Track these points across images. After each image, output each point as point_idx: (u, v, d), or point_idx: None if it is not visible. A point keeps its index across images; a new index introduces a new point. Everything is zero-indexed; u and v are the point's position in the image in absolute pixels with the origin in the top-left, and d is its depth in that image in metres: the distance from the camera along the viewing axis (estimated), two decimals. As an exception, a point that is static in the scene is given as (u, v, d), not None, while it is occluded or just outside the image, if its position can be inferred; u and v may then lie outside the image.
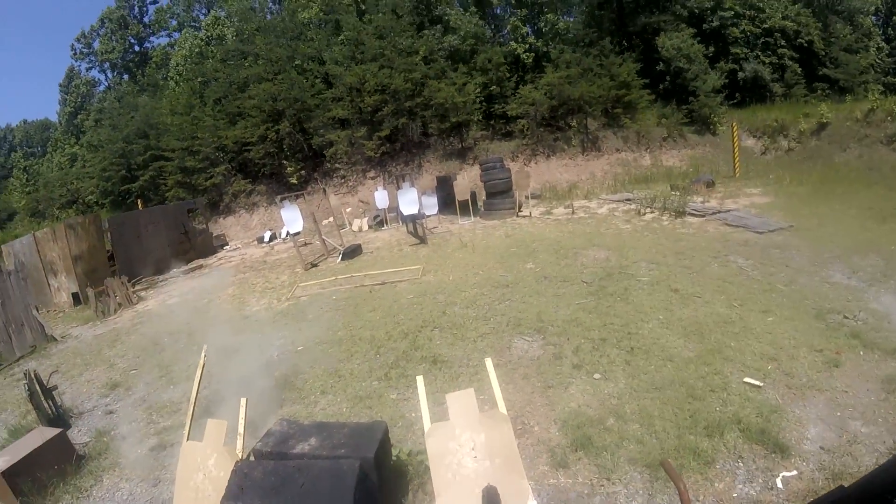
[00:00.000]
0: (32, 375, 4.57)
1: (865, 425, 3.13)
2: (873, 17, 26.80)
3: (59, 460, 3.76)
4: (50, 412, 4.57)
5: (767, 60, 20.60)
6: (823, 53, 21.30)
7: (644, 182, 14.68)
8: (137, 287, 10.98)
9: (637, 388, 3.74)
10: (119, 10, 35.82)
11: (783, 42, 20.79)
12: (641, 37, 19.86)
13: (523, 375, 4.22)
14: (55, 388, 4.84)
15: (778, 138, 17.27)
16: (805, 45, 20.93)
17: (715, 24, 20.57)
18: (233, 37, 24.37)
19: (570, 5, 22.50)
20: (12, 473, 3.47)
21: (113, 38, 35.40)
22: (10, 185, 34.56)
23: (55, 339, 8.03)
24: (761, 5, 20.80)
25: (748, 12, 20.78)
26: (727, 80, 19.54)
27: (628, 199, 11.89)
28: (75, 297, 10.91)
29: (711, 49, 19.90)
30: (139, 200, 20.19)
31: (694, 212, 9.77)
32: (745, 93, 20.65)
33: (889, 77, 23.69)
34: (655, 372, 3.92)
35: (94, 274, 11.04)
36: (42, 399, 4.54)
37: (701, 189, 12.22)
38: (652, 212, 10.22)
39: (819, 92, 20.16)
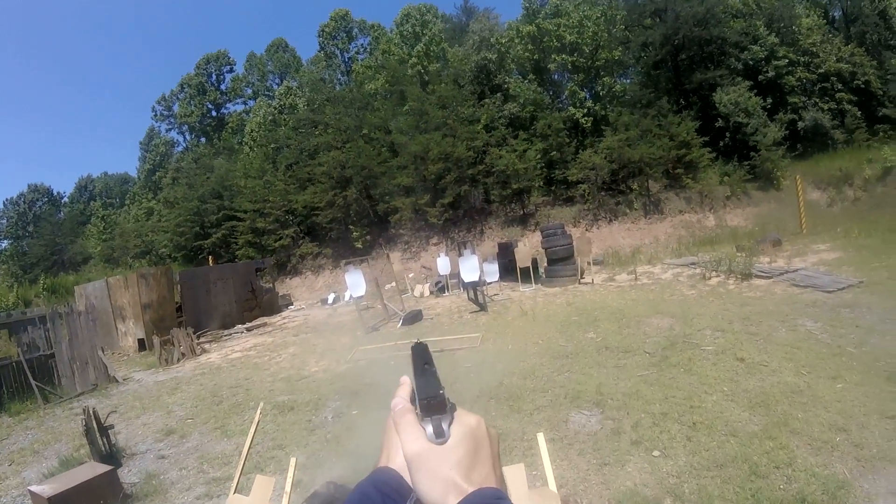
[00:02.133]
0: (91, 412, 4.73)
1: None
2: (928, 47, 25.74)
3: (106, 496, 3.82)
4: (103, 449, 4.74)
5: (826, 107, 20.07)
6: (882, 93, 20.51)
7: (709, 244, 14.51)
8: (202, 339, 11.40)
9: (697, 465, 3.61)
10: (198, 77, 38.85)
11: (840, 85, 20.25)
12: (698, 94, 19.92)
13: (579, 451, 4.09)
14: (111, 426, 5.01)
15: (843, 188, 16.84)
16: (862, 86, 20.29)
17: (770, 74, 20.40)
18: (304, 106, 26.03)
19: (625, 67, 22.89)
20: (59, 501, 3.54)
21: (191, 102, 38.15)
22: (88, 230, 36.82)
23: (117, 381, 8.48)
24: (815, 49, 20.42)
25: (802, 58, 20.45)
26: (787, 132, 19.20)
27: (693, 263, 11.73)
28: (141, 343, 11.53)
29: (769, 100, 19.66)
30: (210, 257, 21.34)
31: (761, 273, 9.61)
32: (806, 143, 20.11)
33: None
34: (717, 448, 3.79)
35: (162, 323, 11.68)
36: (97, 435, 4.71)
37: (767, 248, 12.05)
38: (717, 275, 10.04)
39: (881, 134, 19.35)
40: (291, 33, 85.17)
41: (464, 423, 0.51)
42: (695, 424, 4.19)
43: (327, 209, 19.29)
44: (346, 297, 14.61)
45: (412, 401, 0.55)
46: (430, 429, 0.49)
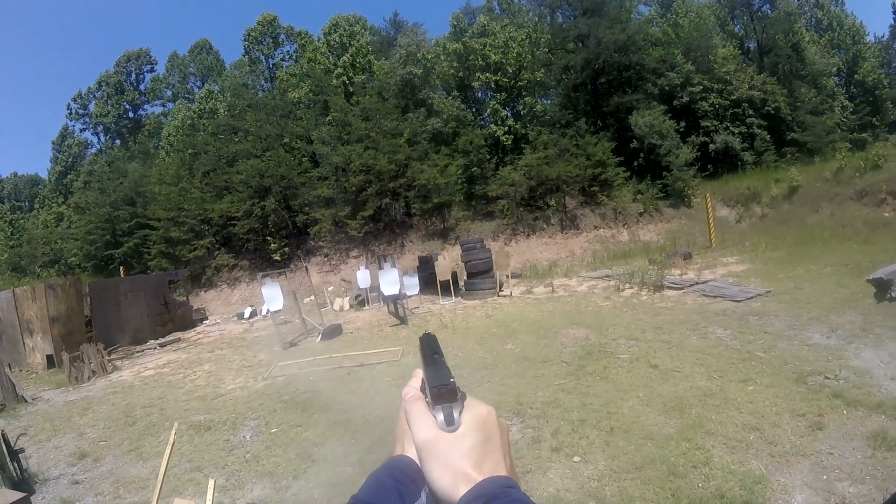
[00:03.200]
0: (0, 435, 4.43)
1: (853, 485, 3.08)
2: (836, 78, 28.36)
3: (19, 527, 3.58)
4: (15, 475, 4.42)
5: (737, 130, 21.53)
6: (791, 118, 22.32)
7: (622, 258, 14.96)
8: (113, 356, 10.78)
9: (617, 468, 3.69)
10: (117, 75, 36.92)
11: (751, 111, 21.82)
12: (615, 116, 20.79)
13: (501, 460, 4.16)
14: (22, 450, 4.71)
15: (751, 205, 17.83)
16: (772, 112, 21.99)
17: (685, 99, 21.66)
18: (224, 111, 25.15)
19: (547, 88, 23.62)
20: (-34, 533, 3.28)
21: (108, 101, 36.30)
22: (-6, 236, 34.15)
23: (26, 401, 7.84)
24: (728, 78, 21.90)
25: (716, 86, 21.87)
26: (699, 153, 20.34)
27: (607, 276, 12.04)
28: (49, 359, 10.66)
29: (683, 124, 20.82)
30: (122, 267, 20.20)
31: (672, 285, 9.89)
32: (717, 164, 21.43)
33: (855, 133, 24.69)
34: (636, 451, 3.87)
35: (71, 337, 10.83)
36: (8, 460, 4.40)
37: (678, 262, 12.46)
38: (631, 287, 10.33)
39: (789, 156, 20.98)
40: (217, 35, 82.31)
41: (475, 412, 0.50)
42: (612, 429, 4.27)
43: (244, 219, 18.50)
44: (264, 312, 13.98)
45: (423, 390, 0.54)
46: (440, 417, 0.49)
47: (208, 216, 19.11)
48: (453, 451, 0.47)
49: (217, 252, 19.04)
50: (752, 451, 3.63)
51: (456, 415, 0.49)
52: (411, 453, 0.50)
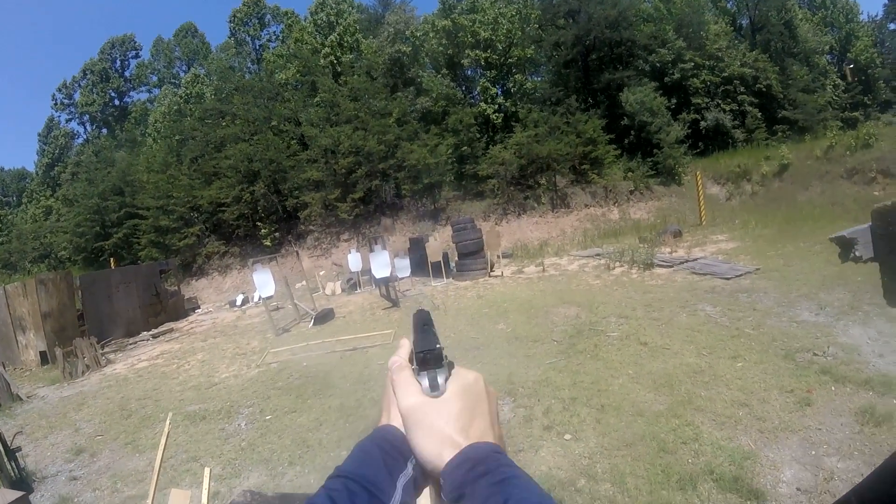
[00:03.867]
0: None
1: (842, 460, 3.12)
2: (828, 56, 28.24)
3: (20, 525, 3.62)
4: (13, 474, 4.45)
5: (728, 108, 21.42)
6: (782, 96, 22.23)
7: (613, 236, 14.94)
8: (106, 349, 10.75)
9: (608, 446, 3.74)
10: (101, 63, 36.21)
11: (742, 89, 21.71)
12: (606, 93, 20.59)
13: (492, 439, 4.22)
14: (19, 449, 4.76)
15: (742, 183, 17.79)
16: (764, 89, 21.89)
17: (676, 76, 21.45)
18: (211, 95, 24.78)
19: (537, 65, 23.34)
20: (-34, 533, 3.31)
21: (94, 90, 35.65)
22: (-18, 232, 33.82)
23: (21, 399, 7.85)
24: (720, 55, 21.73)
25: (708, 62, 21.68)
26: (690, 131, 20.24)
27: (598, 254, 12.04)
28: (43, 355, 10.62)
29: (674, 101, 20.66)
30: (112, 259, 20.04)
31: (662, 263, 9.92)
32: (708, 141, 21.35)
33: (846, 112, 24.73)
34: (626, 428, 3.93)
35: (63, 333, 10.79)
36: (5, 459, 4.43)
37: (668, 240, 12.50)
38: (621, 266, 10.37)
39: (780, 134, 20.93)
40: (202, 18, 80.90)
41: (461, 378, 0.50)
42: (603, 407, 4.31)
43: (234, 205, 18.33)
44: (255, 298, 13.97)
45: (411, 360, 0.53)
46: (425, 382, 0.48)
47: (197, 203, 18.93)
48: (438, 417, 0.46)
49: (207, 239, 18.93)
50: (741, 427, 3.68)
51: (441, 380, 0.48)
52: (398, 423, 0.48)
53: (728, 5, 28.14)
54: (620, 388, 4.62)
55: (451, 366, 0.50)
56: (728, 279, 7.89)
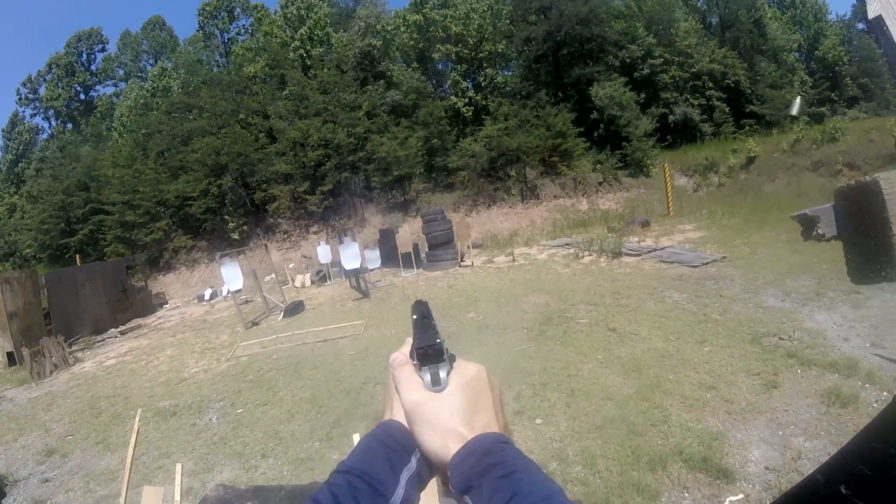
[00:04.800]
0: None
1: (809, 440, 3.18)
2: (796, 54, 29.00)
3: (-8, 530, 3.46)
4: None
5: (696, 102, 21.84)
6: (750, 91, 22.73)
7: (582, 226, 15.10)
8: (74, 348, 10.54)
9: (578, 429, 3.77)
10: (67, 56, 35.21)
11: (711, 84, 22.16)
12: (576, 87, 20.78)
13: (464, 427, 4.23)
14: None
15: (709, 175, 18.08)
16: (732, 85, 22.37)
17: (646, 71, 21.79)
18: (179, 89, 24.27)
19: (508, 60, 23.46)
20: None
21: (59, 84, 34.66)
22: (-55, 231, 33.03)
23: None
24: (689, 51, 22.12)
25: (677, 58, 22.07)
26: (658, 124, 20.55)
27: (567, 244, 12.19)
28: (10, 356, 10.27)
29: (643, 95, 20.97)
30: (77, 255, 19.62)
31: (630, 252, 10.02)
32: (676, 135, 21.71)
33: (813, 107, 25.32)
34: (596, 412, 3.97)
35: (30, 332, 10.44)
36: None
37: (636, 230, 12.65)
38: (590, 255, 10.47)
39: (747, 128, 21.37)
40: (170, 11, 78.26)
41: (463, 371, 0.50)
42: (573, 392, 4.36)
43: (201, 199, 18.01)
44: (224, 292, 13.85)
45: (412, 356, 0.53)
46: (427, 377, 0.48)
47: (164, 197, 18.55)
48: (442, 411, 0.46)
49: (174, 234, 18.56)
50: (708, 409, 3.72)
51: (443, 375, 0.48)
52: (400, 418, 0.48)
53: (698, 3, 28.71)
54: (590, 373, 4.67)
55: (452, 359, 0.50)
56: (695, 267, 7.99)
